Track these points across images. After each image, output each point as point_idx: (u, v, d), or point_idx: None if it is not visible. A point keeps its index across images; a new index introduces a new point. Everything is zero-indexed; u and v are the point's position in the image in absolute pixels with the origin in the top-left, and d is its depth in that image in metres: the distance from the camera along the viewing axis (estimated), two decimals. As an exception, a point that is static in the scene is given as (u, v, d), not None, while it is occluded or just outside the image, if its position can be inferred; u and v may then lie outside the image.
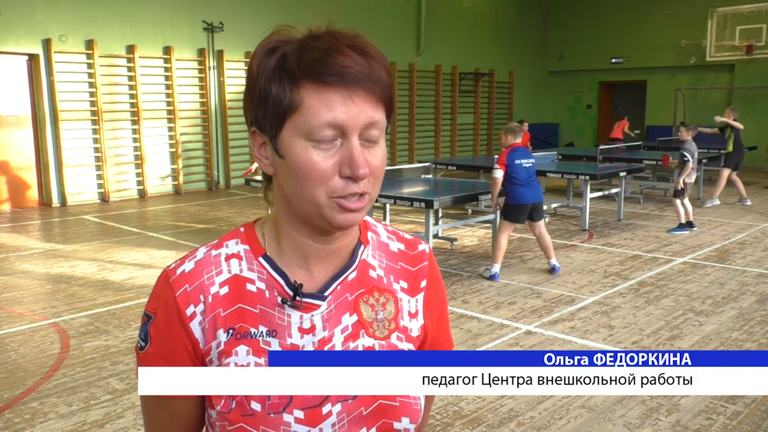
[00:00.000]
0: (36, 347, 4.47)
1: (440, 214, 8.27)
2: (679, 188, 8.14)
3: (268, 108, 0.85)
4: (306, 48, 0.84)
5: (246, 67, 12.86)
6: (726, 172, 10.43)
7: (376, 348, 0.95)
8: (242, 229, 0.97)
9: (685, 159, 8.08)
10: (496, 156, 7.14)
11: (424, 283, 1.03)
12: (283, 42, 0.86)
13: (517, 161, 6.04)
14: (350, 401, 0.91)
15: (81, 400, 3.65)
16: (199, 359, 0.92)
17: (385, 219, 7.88)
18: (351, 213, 0.86)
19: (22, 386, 3.84)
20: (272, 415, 0.88)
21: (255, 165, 9.28)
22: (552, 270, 6.30)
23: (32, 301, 5.54)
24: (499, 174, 6.04)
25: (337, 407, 0.90)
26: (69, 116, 10.68)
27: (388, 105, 0.88)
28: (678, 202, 8.20)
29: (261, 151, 0.90)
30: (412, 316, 1.00)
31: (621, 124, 15.43)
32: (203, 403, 0.95)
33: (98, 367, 4.11)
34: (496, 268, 6.12)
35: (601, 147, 11.59)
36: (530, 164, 6.10)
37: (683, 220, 8.21)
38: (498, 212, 6.66)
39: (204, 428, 0.99)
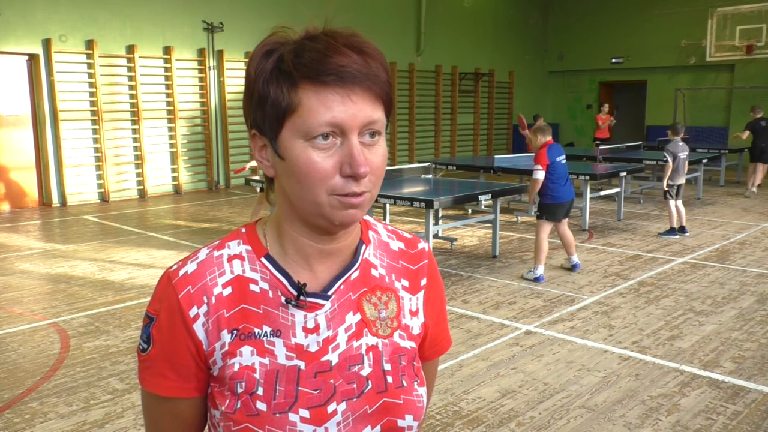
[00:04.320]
0: (36, 347, 4.47)
1: (440, 214, 8.27)
2: (666, 190, 8.00)
3: (266, 110, 0.85)
4: (303, 48, 0.84)
5: (246, 68, 12.87)
6: (755, 165, 11.35)
7: (380, 347, 0.95)
8: (243, 230, 0.97)
9: (665, 159, 8.03)
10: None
11: (424, 282, 1.04)
12: (279, 44, 0.86)
13: (558, 158, 5.97)
14: (355, 399, 0.91)
15: (81, 400, 3.65)
16: (203, 360, 0.91)
17: (385, 219, 7.89)
18: (352, 209, 0.86)
19: (22, 386, 3.84)
20: (278, 415, 0.88)
21: (250, 164, 9.36)
22: (573, 267, 6.27)
23: (32, 301, 5.54)
24: (541, 175, 5.90)
25: (342, 406, 0.91)
26: (69, 116, 10.68)
27: (387, 103, 0.88)
28: (672, 204, 7.96)
29: (262, 153, 0.90)
30: (413, 314, 1.01)
31: (604, 119, 15.00)
32: (206, 403, 0.95)
33: (98, 367, 4.11)
34: (540, 269, 5.99)
35: (602, 147, 11.61)
36: (565, 161, 6.06)
37: (674, 224, 7.98)
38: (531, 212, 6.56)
39: (206, 428, 0.99)
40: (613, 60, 18.78)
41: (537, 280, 6.00)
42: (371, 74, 0.84)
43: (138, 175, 11.64)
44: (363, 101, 0.84)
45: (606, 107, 15.15)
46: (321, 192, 0.84)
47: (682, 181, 8.04)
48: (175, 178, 12.14)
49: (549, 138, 6.08)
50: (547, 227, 6.05)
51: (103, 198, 11.19)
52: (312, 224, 0.90)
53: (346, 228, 0.91)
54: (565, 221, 6.21)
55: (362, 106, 0.84)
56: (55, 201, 10.72)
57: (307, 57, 0.83)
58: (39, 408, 3.56)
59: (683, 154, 7.97)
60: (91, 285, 5.98)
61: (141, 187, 11.66)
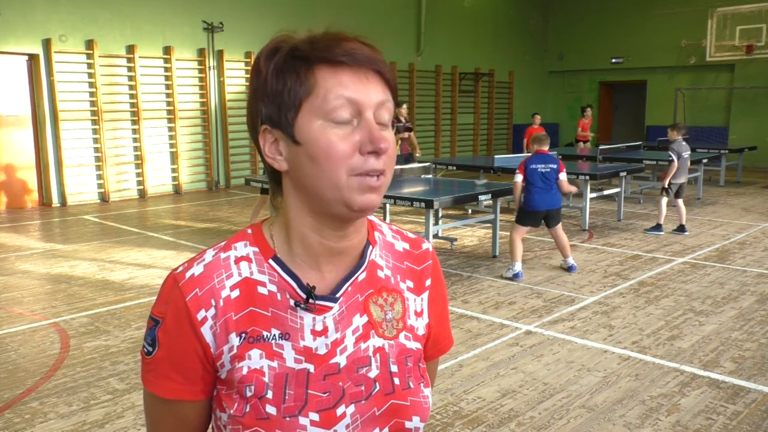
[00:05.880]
0: (36, 347, 4.47)
1: (440, 214, 8.27)
2: (666, 187, 8.04)
3: (282, 99, 0.86)
4: (315, 37, 0.87)
5: (246, 67, 12.94)
6: None
7: (386, 348, 0.95)
8: (250, 231, 0.97)
9: (670, 159, 8.02)
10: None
11: (428, 282, 1.04)
12: (285, 42, 0.88)
13: (533, 166, 6.12)
14: (363, 402, 0.92)
15: (81, 400, 3.65)
16: (210, 363, 0.91)
17: (385, 219, 7.89)
18: (371, 193, 0.86)
19: (22, 386, 3.84)
20: (288, 419, 0.88)
21: None
22: (569, 269, 6.32)
23: (32, 301, 5.54)
24: (518, 178, 6.21)
25: (351, 408, 0.91)
26: (69, 116, 10.68)
27: (393, 90, 0.90)
28: (664, 201, 8.10)
29: (272, 148, 0.89)
30: (418, 314, 1.02)
31: (587, 124, 14.90)
32: (210, 405, 0.95)
33: (98, 367, 4.11)
34: (518, 266, 6.10)
35: (602, 147, 11.61)
36: (548, 170, 6.13)
37: (661, 221, 8.11)
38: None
39: (209, 430, 0.98)
40: (613, 60, 18.78)
41: (515, 276, 6.07)
42: (379, 60, 0.88)
43: (138, 175, 11.64)
44: (376, 83, 0.87)
45: (589, 111, 14.91)
46: (341, 173, 0.84)
47: (684, 180, 8.14)
48: (175, 178, 12.14)
49: (541, 147, 6.24)
50: (519, 229, 6.20)
51: (103, 198, 11.19)
52: (327, 214, 0.89)
53: (364, 214, 0.89)
54: (559, 226, 6.28)
55: (375, 87, 0.87)
56: (55, 201, 10.72)
57: (322, 42, 0.86)
58: (39, 408, 3.56)
59: (686, 153, 8.11)
60: (91, 285, 5.98)
61: (141, 187, 11.66)
